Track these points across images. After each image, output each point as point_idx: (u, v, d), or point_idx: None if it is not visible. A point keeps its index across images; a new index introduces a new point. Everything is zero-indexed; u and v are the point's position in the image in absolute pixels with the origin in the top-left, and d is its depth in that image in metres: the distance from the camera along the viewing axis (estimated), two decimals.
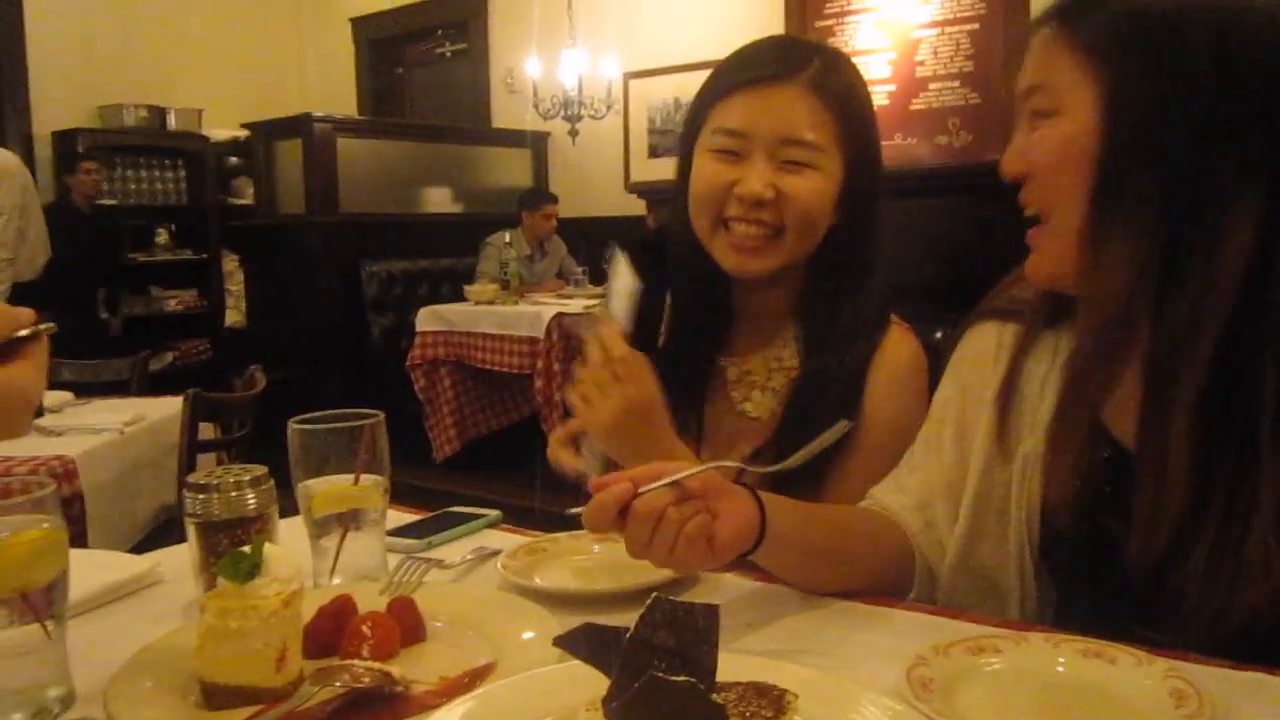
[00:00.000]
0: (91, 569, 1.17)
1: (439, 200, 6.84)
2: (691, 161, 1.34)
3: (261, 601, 0.84)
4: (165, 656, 0.90)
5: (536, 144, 7.21)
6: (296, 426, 1.13)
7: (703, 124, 1.33)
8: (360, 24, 8.13)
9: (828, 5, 5.95)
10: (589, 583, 1.11)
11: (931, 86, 5.65)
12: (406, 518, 1.37)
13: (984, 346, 1.16)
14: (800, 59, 1.30)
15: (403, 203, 6.68)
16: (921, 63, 5.68)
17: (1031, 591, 1.08)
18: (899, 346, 1.34)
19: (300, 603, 0.88)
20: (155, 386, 3.99)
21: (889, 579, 1.12)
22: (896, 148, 5.59)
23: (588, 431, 1.27)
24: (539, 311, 5.04)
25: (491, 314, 5.26)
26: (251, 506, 1.07)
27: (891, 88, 5.74)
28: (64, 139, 6.77)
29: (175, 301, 7.53)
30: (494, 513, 1.37)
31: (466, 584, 1.15)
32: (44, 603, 0.87)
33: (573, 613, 0.99)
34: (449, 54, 7.95)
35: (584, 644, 0.68)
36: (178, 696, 0.85)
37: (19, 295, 5.05)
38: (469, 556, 1.22)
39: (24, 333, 0.91)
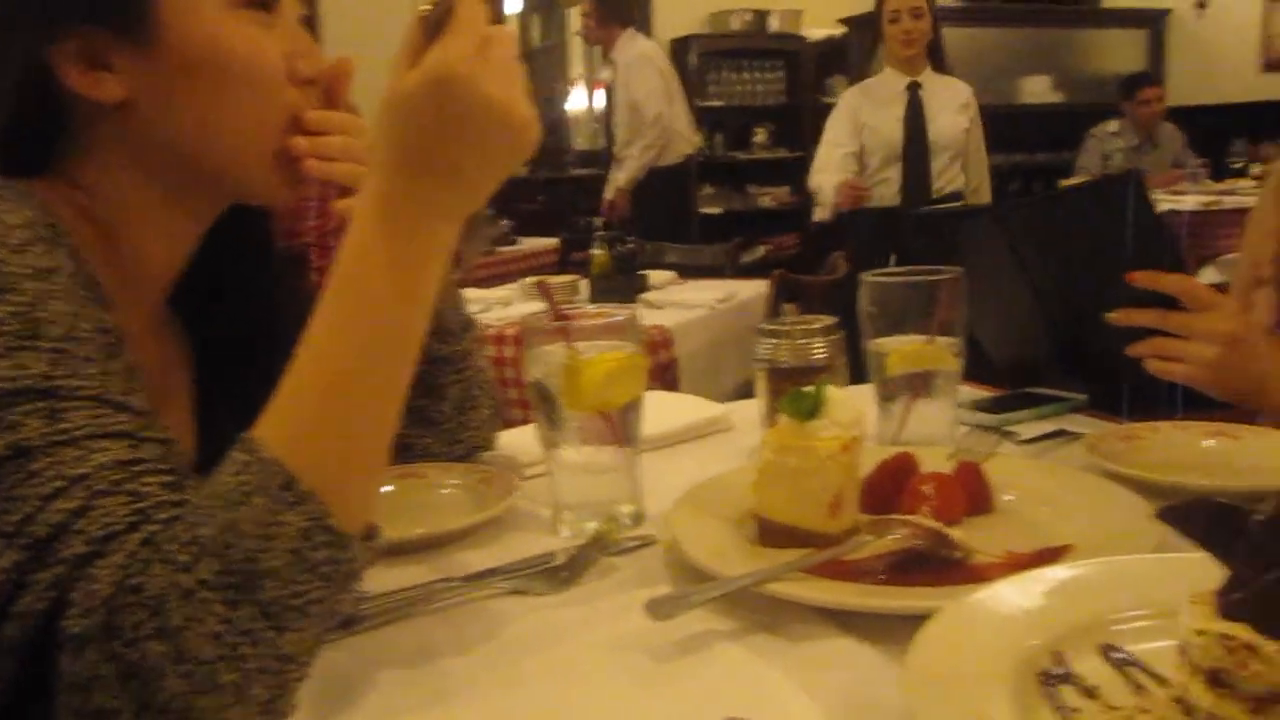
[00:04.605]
0: (673, 410, 1.22)
1: (1037, 90, 6.40)
2: None
3: (820, 443, 0.80)
4: (726, 491, 0.90)
5: (1154, 23, 6.45)
6: (870, 279, 1.08)
7: None
8: None
9: None
10: (1203, 477, 0.94)
11: None
12: (983, 395, 1.27)
13: None
14: None
15: (998, 94, 6.32)
16: None
17: None
18: None
19: (859, 451, 0.83)
20: (746, 274, 4.21)
21: None
22: None
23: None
24: None
25: None
26: (819, 356, 1.04)
27: None
28: (679, 45, 7.32)
29: (769, 198, 7.90)
30: (1079, 396, 1.22)
31: (1039, 461, 1.03)
32: (620, 424, 0.91)
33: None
34: None
35: (1197, 520, 0.55)
36: (733, 527, 0.85)
37: (664, 176, 5.52)
38: (1048, 435, 1.10)
39: None
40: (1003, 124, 6.12)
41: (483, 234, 2.77)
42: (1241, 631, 0.53)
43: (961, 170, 3.95)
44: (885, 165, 3.92)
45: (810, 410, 0.81)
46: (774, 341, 1.04)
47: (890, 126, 3.90)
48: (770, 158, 7.86)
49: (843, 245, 4.62)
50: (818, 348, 1.03)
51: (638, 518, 0.92)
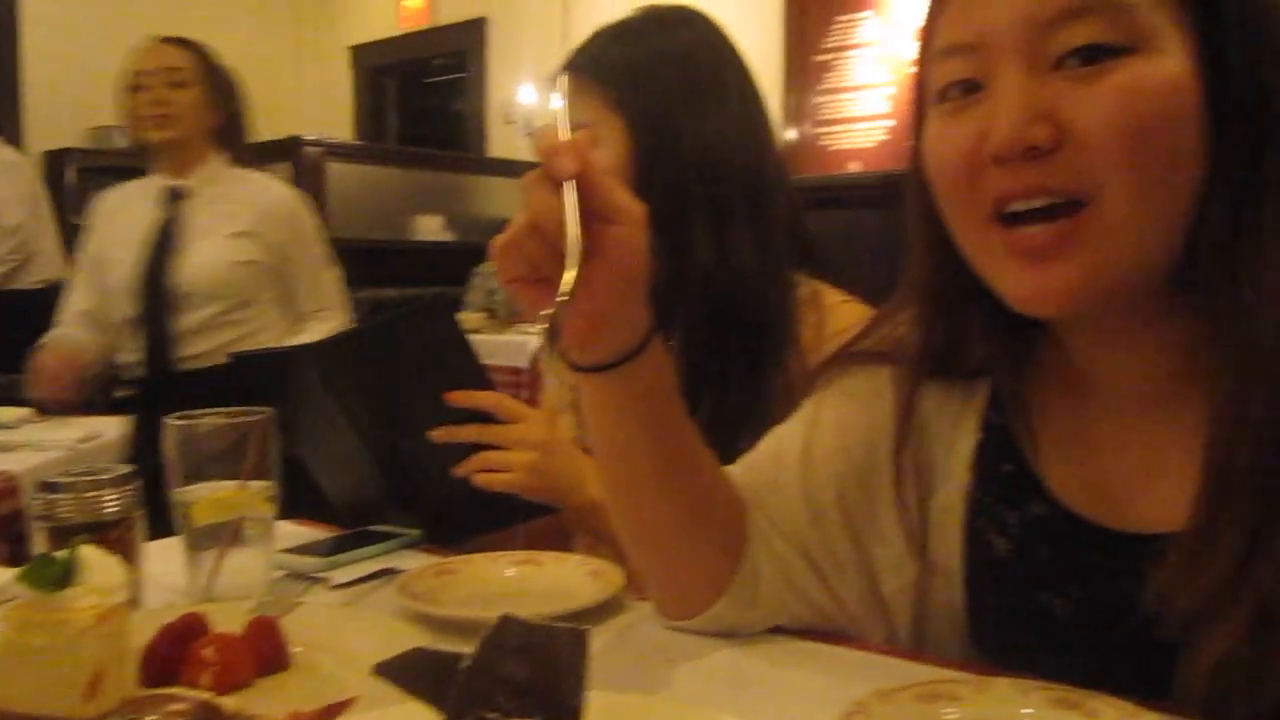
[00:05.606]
0: None
1: (431, 228, 6.74)
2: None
3: (73, 615, 0.71)
4: None
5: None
6: (173, 424, 1.00)
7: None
8: (359, 52, 8.07)
9: (826, 40, 5.88)
10: (495, 610, 0.98)
11: None
12: (314, 538, 1.23)
13: (861, 390, 0.95)
14: None
15: (394, 230, 6.57)
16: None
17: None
18: None
19: (124, 619, 0.74)
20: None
21: (720, 545, 0.92)
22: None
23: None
24: (524, 341, 4.93)
25: (477, 343, 5.12)
26: (111, 510, 0.94)
27: (891, 123, 5.66)
28: (55, 159, 6.70)
29: None
30: (414, 532, 1.24)
31: (350, 608, 1.01)
32: None
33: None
34: (447, 83, 7.90)
35: (414, 673, 0.55)
36: None
37: (21, 300, 4.88)
38: (368, 577, 1.08)
39: None
40: (397, 259, 6.35)
41: None
42: None
43: (270, 318, 2.69)
44: (128, 319, 2.57)
45: (58, 579, 0.71)
46: (54, 496, 0.93)
47: (130, 258, 2.50)
48: None
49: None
50: (108, 500, 0.94)
51: None
